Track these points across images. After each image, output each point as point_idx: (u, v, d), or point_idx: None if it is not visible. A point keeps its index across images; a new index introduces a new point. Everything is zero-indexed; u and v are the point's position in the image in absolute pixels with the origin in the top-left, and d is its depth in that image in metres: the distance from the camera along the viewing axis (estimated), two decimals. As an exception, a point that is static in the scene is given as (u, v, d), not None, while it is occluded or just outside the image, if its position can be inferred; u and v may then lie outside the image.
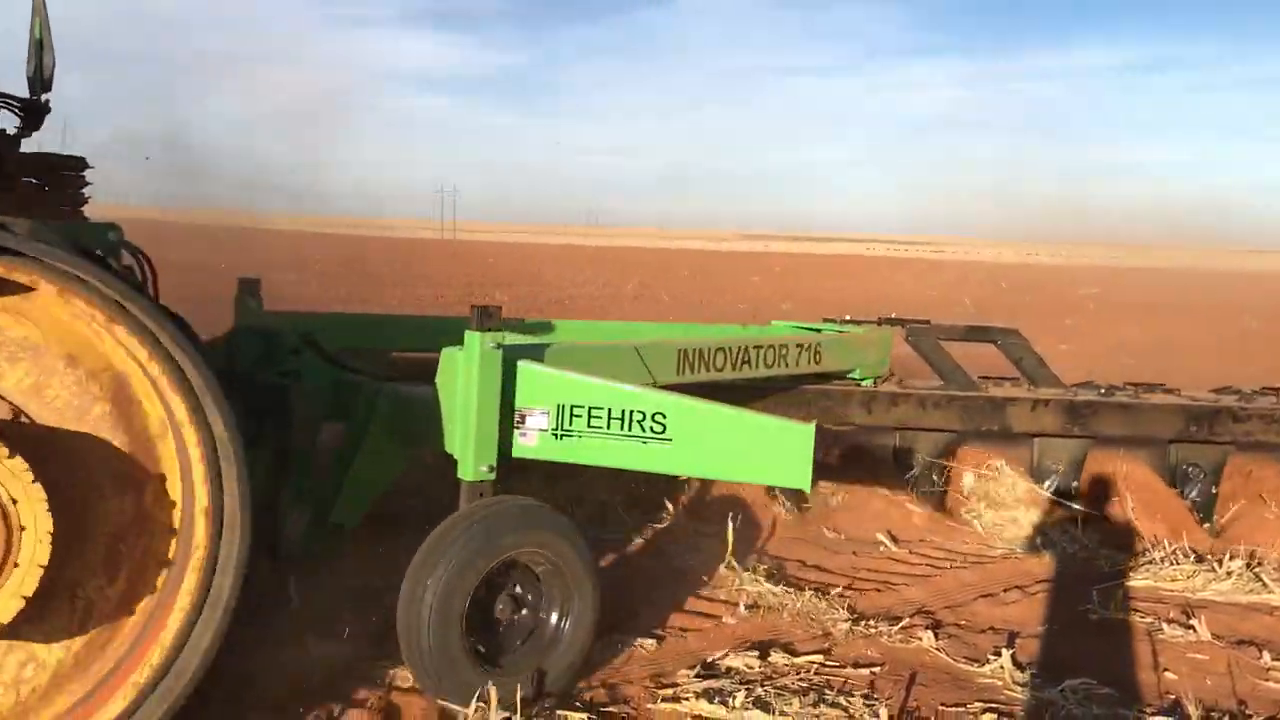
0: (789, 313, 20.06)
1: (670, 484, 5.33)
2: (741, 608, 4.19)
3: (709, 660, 3.69)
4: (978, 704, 3.45)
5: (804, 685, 3.51)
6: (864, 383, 5.28)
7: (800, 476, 3.29)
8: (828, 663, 3.72)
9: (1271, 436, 5.22)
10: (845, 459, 5.73)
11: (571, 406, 3.37)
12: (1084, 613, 4.35)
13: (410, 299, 21.01)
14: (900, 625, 4.08)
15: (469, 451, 3.32)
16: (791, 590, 4.40)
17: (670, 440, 3.31)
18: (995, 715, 3.37)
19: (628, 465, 3.41)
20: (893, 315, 5.71)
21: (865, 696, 3.44)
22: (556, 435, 3.38)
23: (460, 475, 3.35)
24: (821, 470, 5.28)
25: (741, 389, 4.78)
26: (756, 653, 3.73)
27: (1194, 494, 5.35)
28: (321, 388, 4.15)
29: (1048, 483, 5.40)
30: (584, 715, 3.21)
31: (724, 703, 3.32)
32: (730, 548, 4.66)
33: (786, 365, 4.68)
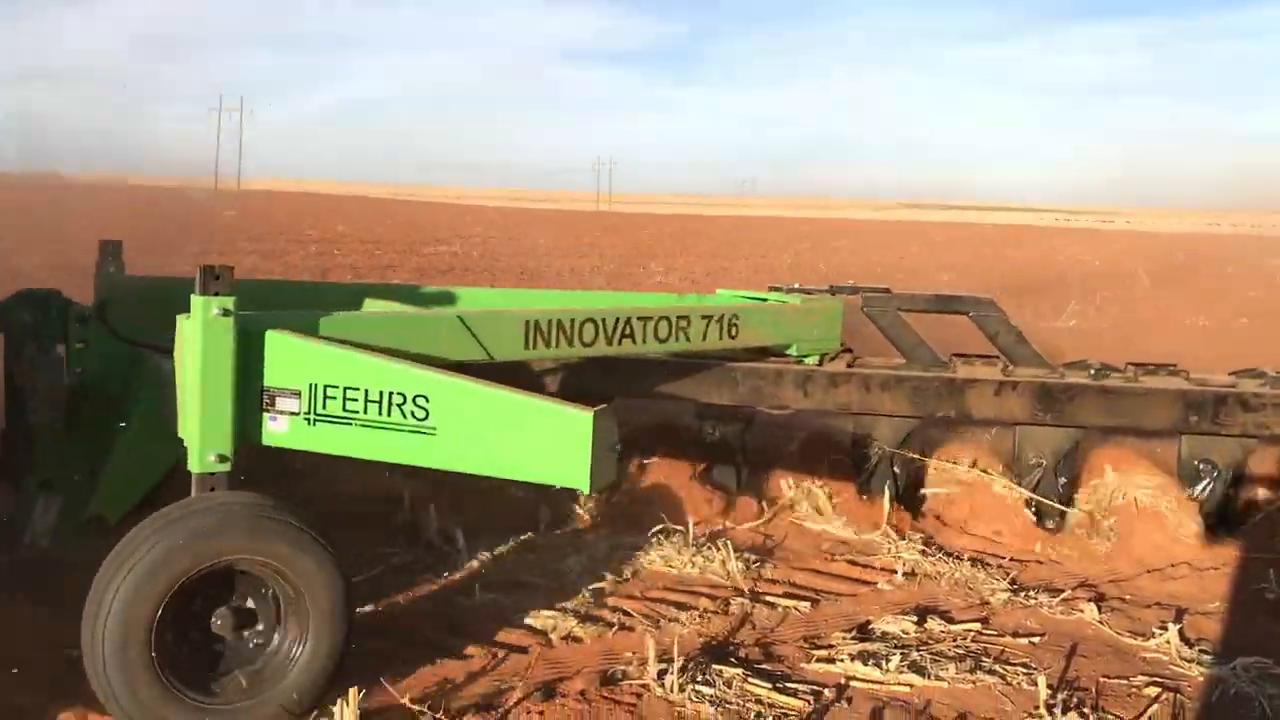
0: (948, 283, 19.59)
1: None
2: (899, 575, 4.20)
3: (864, 624, 3.72)
4: (1141, 677, 3.38)
5: (960, 652, 3.51)
6: (808, 360, 4.67)
7: (577, 474, 2.80)
8: (985, 631, 3.70)
9: None
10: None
11: (325, 386, 2.86)
12: (1259, 591, 4.19)
13: (568, 271, 21.41)
14: (1061, 597, 4.02)
15: (195, 438, 2.83)
16: (949, 559, 4.38)
17: (434, 429, 2.83)
18: (1160, 689, 3.30)
19: (388, 458, 2.91)
20: (850, 282, 5.06)
21: (1024, 665, 3.42)
22: (310, 421, 2.88)
23: (189, 466, 2.87)
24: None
25: (658, 366, 4.51)
26: (913, 618, 3.74)
27: (1202, 494, 4.59)
28: (109, 362, 3.85)
29: (1028, 479, 4.70)
30: (739, 671, 3.29)
31: (878, 665, 3.36)
32: (886, 515, 4.68)
33: (687, 339, 4.09)
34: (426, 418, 2.83)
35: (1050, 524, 4.69)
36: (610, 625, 3.65)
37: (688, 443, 5.02)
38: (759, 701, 3.13)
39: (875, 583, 4.15)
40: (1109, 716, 3.14)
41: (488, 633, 3.56)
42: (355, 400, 2.85)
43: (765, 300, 4.64)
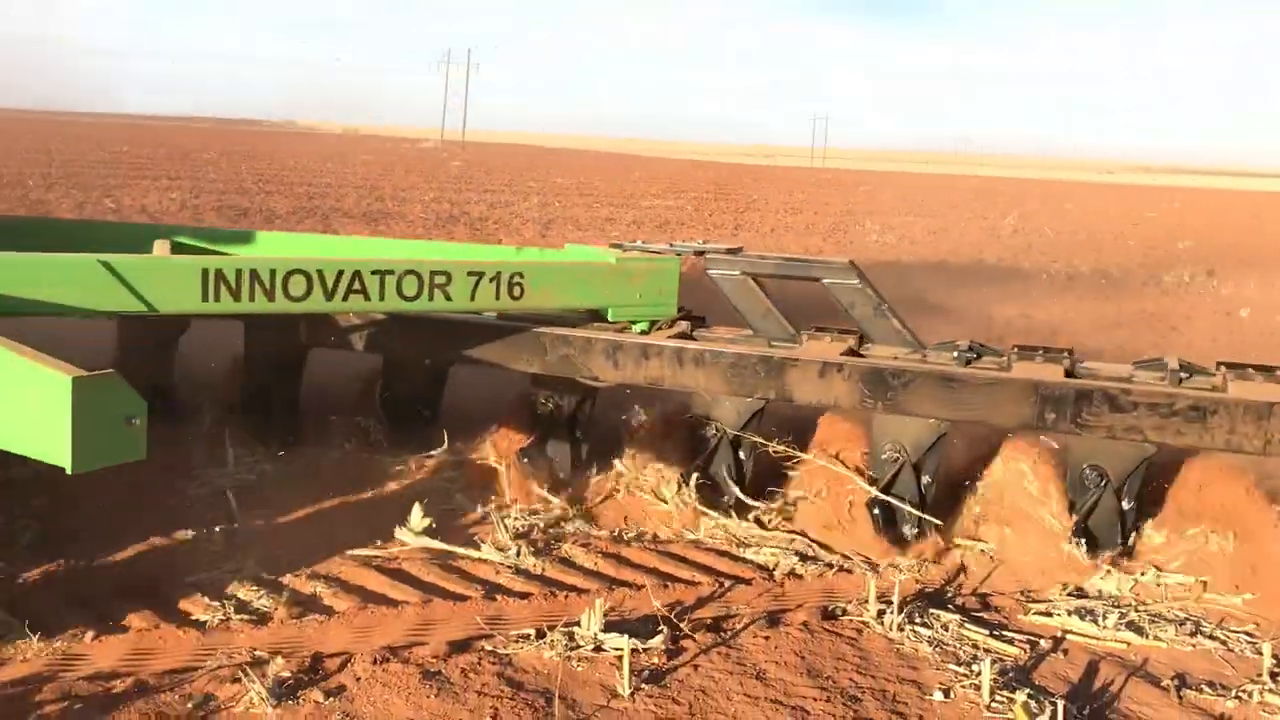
0: (1184, 251, 18.56)
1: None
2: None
3: (1081, 582, 3.78)
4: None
5: (1181, 615, 3.55)
6: (637, 327, 4.30)
7: (57, 448, 2.43)
8: (1206, 594, 3.71)
9: (1170, 434, 3.61)
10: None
11: None
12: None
13: (782, 228, 21.45)
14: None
15: None
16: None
17: None
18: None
19: None
20: (700, 241, 4.61)
21: (1248, 634, 3.44)
22: None
23: None
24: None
25: (469, 329, 4.21)
26: (1131, 579, 3.78)
27: (1086, 508, 3.84)
28: None
29: (883, 475, 4.00)
30: (956, 617, 3.44)
31: (1095, 621, 3.44)
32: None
33: (446, 298, 3.73)
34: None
35: (909, 531, 4.01)
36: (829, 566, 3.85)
37: (524, 414, 4.56)
38: (975, 646, 3.28)
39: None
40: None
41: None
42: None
43: (609, 259, 4.28)
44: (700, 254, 4.48)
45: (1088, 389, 3.69)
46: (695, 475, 4.20)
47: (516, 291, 3.92)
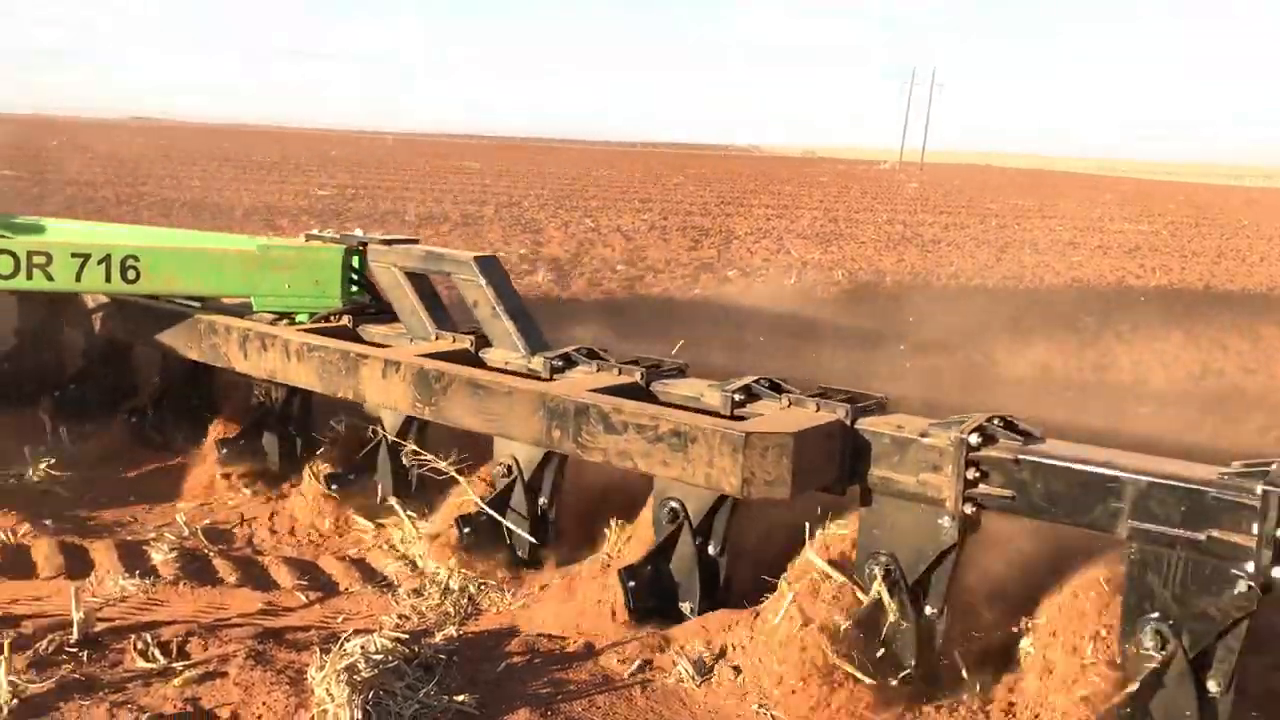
0: None
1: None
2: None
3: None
4: None
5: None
6: (301, 318, 4.11)
7: None
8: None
9: (656, 463, 2.90)
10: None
11: None
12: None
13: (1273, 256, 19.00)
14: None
15: None
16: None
17: None
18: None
19: None
20: (357, 232, 4.26)
21: None
22: None
23: None
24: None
25: (150, 313, 4.22)
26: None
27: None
28: None
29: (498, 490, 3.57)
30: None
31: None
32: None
33: (48, 278, 3.71)
34: None
35: (520, 553, 3.58)
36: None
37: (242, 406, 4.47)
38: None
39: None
40: None
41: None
42: None
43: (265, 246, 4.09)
44: (365, 245, 4.17)
45: (584, 405, 3.05)
46: (347, 476, 3.97)
47: (131, 275, 3.88)
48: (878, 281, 12.04)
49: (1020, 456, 2.59)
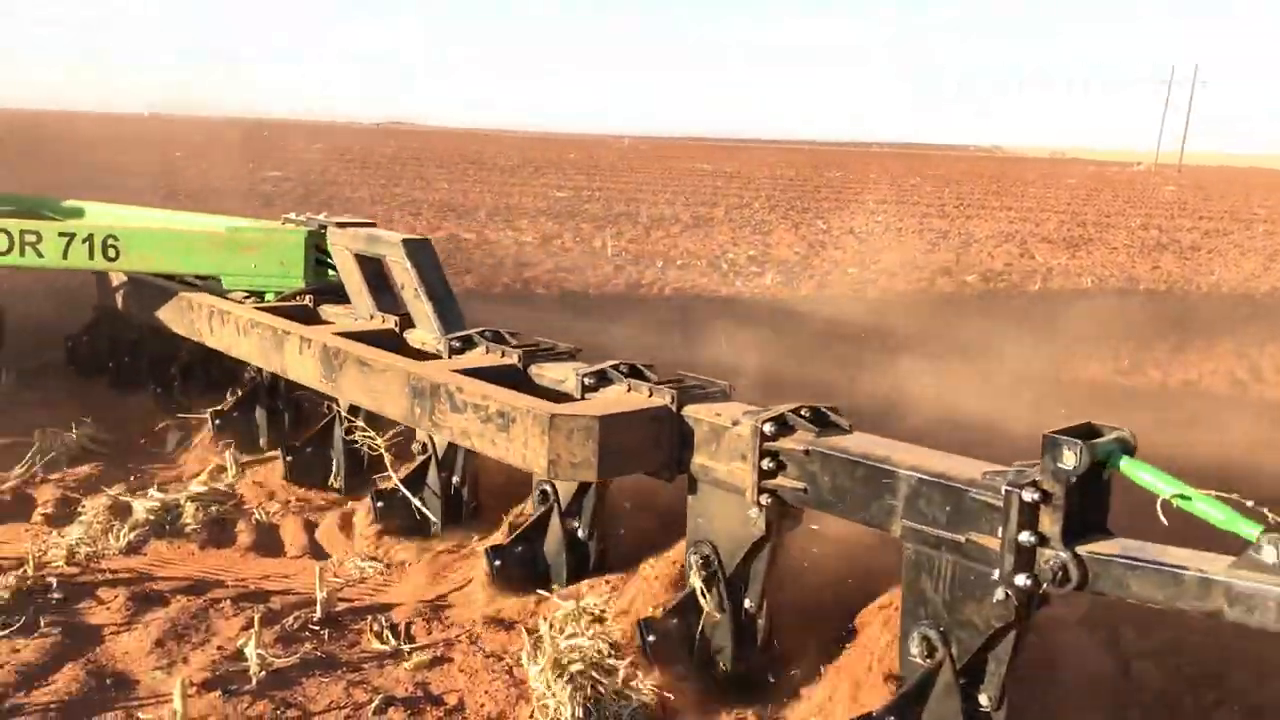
0: None
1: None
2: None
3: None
4: None
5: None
6: (269, 296, 4.32)
7: None
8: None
9: (486, 443, 2.92)
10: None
11: None
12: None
13: None
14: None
15: None
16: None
17: None
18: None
19: None
20: (322, 215, 4.37)
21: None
22: None
23: None
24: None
25: (145, 289, 4.49)
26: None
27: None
28: None
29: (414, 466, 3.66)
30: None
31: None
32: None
33: (38, 255, 4.09)
34: None
35: (433, 528, 3.64)
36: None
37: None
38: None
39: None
40: None
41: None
42: None
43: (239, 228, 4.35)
44: (324, 228, 4.27)
45: (437, 384, 3.09)
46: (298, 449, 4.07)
47: (111, 254, 4.22)
48: (1130, 289, 11.48)
49: (810, 448, 2.46)
